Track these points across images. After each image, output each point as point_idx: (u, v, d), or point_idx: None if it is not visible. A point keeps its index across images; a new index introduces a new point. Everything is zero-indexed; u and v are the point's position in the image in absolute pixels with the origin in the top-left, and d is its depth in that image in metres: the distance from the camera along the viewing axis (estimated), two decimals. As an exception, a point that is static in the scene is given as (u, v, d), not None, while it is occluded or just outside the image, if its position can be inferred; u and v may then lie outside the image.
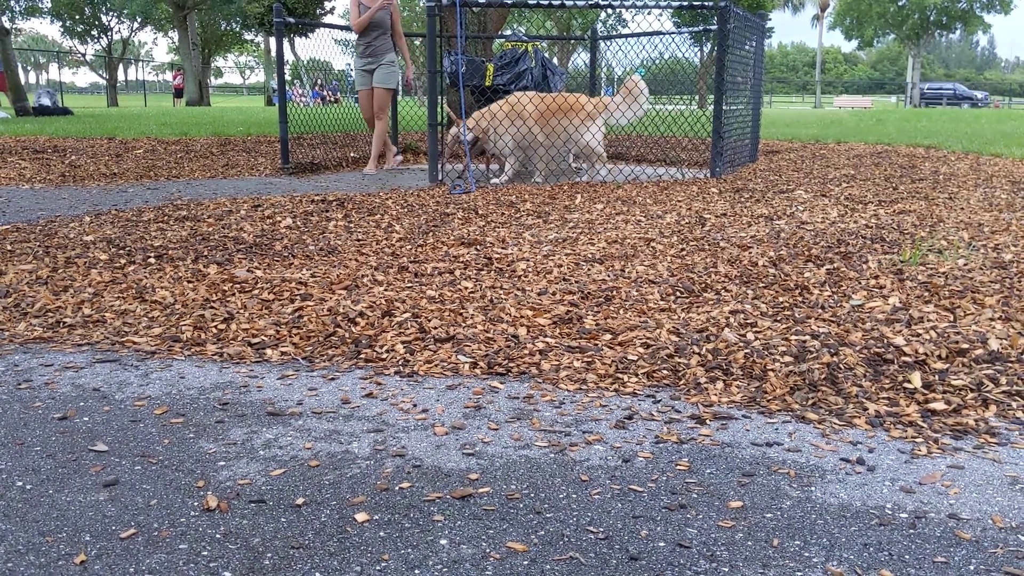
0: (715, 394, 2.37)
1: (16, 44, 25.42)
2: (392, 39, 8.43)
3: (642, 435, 2.12)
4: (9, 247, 4.23)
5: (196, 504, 1.75)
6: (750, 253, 4.00)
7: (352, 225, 4.92)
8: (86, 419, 2.20)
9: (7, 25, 22.39)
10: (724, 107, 7.45)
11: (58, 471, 1.89)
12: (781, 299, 3.22)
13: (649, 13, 7.80)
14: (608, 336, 2.82)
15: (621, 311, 3.10)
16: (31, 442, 2.05)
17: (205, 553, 1.56)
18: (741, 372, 2.51)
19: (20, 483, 1.84)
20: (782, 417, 2.23)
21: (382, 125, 8.64)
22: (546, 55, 7.90)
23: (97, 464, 1.93)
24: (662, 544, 1.60)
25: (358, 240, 4.48)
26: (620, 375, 2.51)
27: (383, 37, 8.38)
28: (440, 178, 7.23)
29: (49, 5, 44.09)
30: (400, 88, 9.55)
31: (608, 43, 10.47)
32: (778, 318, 2.98)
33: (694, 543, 1.60)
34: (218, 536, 1.62)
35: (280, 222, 4.98)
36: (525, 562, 1.54)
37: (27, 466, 1.92)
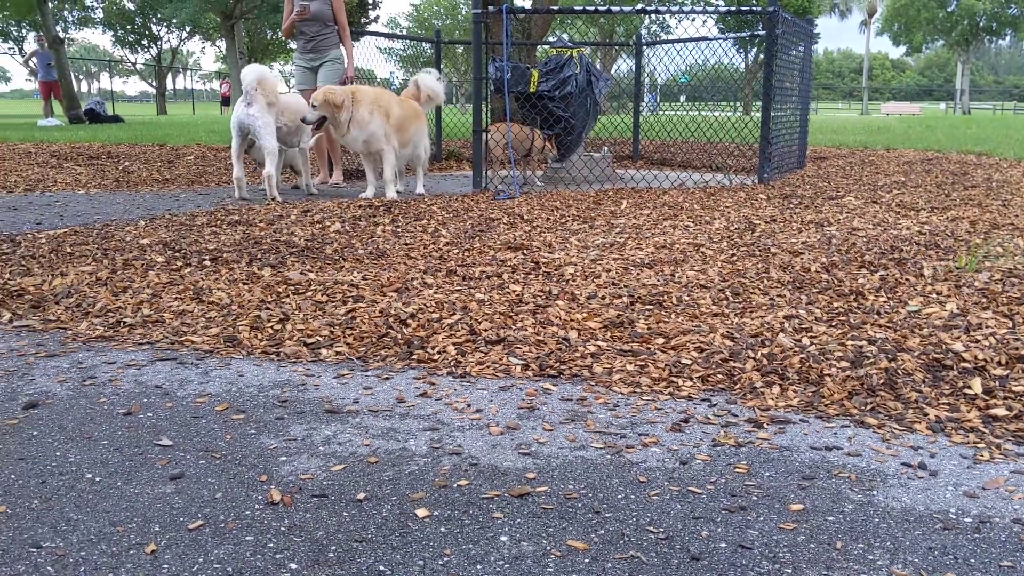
0: (772, 398, 2.36)
1: (69, 53, 26.10)
2: (337, 33, 7.64)
3: (699, 438, 2.11)
4: (69, 249, 4.33)
5: (260, 498, 1.78)
6: (802, 259, 3.97)
7: (399, 230, 4.97)
8: (150, 415, 2.25)
9: (61, 35, 22.96)
10: (772, 112, 7.40)
11: (125, 464, 1.94)
12: (836, 305, 3.19)
13: (694, 20, 7.77)
14: (660, 340, 2.81)
15: (673, 315, 3.09)
16: (98, 436, 2.10)
17: (271, 545, 1.59)
18: (797, 377, 2.49)
19: (90, 475, 1.88)
20: (840, 422, 2.21)
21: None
22: (590, 61, 7.90)
23: (163, 458, 1.98)
24: (723, 545, 1.60)
25: (406, 244, 4.52)
26: (674, 379, 2.50)
27: (327, 31, 7.62)
28: (484, 184, 7.27)
29: (101, 15, 45.04)
30: None
31: (653, 49, 10.46)
32: (833, 323, 2.95)
33: (756, 544, 1.60)
34: (283, 529, 1.65)
35: (329, 227, 5.04)
36: (586, 560, 1.54)
37: (96, 459, 1.97)
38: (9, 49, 48.17)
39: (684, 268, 3.81)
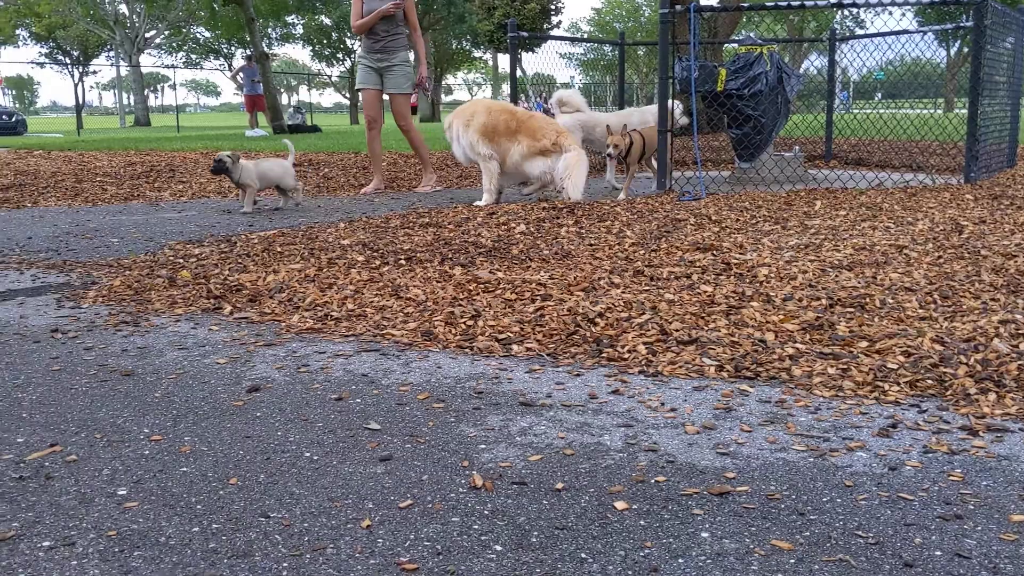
0: (987, 406, 2.21)
1: (272, 68, 27.97)
2: (408, 35, 7.57)
3: (908, 444, 2.01)
4: (279, 249, 4.65)
5: (463, 482, 1.85)
6: (1016, 262, 3.69)
7: (583, 231, 5.00)
8: (358, 401, 2.38)
9: (266, 50, 24.65)
10: (979, 108, 6.92)
11: (339, 445, 2.07)
12: (1059, 310, 2.95)
13: (891, 14, 7.38)
14: (864, 344, 2.70)
15: (876, 319, 2.96)
16: (314, 419, 2.25)
17: (476, 527, 1.65)
18: (1015, 384, 2.32)
19: (308, 454, 2.02)
20: (1068, 433, 2.05)
21: (414, 135, 7.77)
22: (780, 58, 7.67)
23: (372, 441, 2.09)
24: (938, 553, 1.52)
25: (591, 245, 4.55)
26: (880, 383, 2.39)
27: (395, 31, 7.44)
28: (669, 185, 7.20)
29: (301, 31, 47.99)
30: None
31: (848, 44, 10.02)
32: (1057, 329, 2.73)
33: (974, 554, 1.51)
34: (486, 512, 1.71)
35: (515, 228, 5.14)
36: (791, 560, 1.51)
37: (312, 439, 2.11)
38: (220, 65, 52.15)
39: (887, 270, 3.63)
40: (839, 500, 1.74)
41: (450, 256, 4.32)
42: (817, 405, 2.28)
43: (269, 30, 45.64)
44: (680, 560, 1.52)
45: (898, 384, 2.38)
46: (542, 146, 6.44)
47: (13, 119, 29.52)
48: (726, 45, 10.13)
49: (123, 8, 44.42)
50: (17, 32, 47.28)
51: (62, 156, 11.90)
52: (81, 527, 1.67)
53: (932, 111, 8.95)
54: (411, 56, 7.74)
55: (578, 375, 2.60)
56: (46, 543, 1.61)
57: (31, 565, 1.53)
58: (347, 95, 52.83)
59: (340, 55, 52.80)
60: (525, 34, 8.99)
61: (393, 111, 7.78)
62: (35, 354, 2.89)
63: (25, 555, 1.57)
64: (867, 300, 3.16)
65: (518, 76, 9.27)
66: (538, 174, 6.55)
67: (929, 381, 2.39)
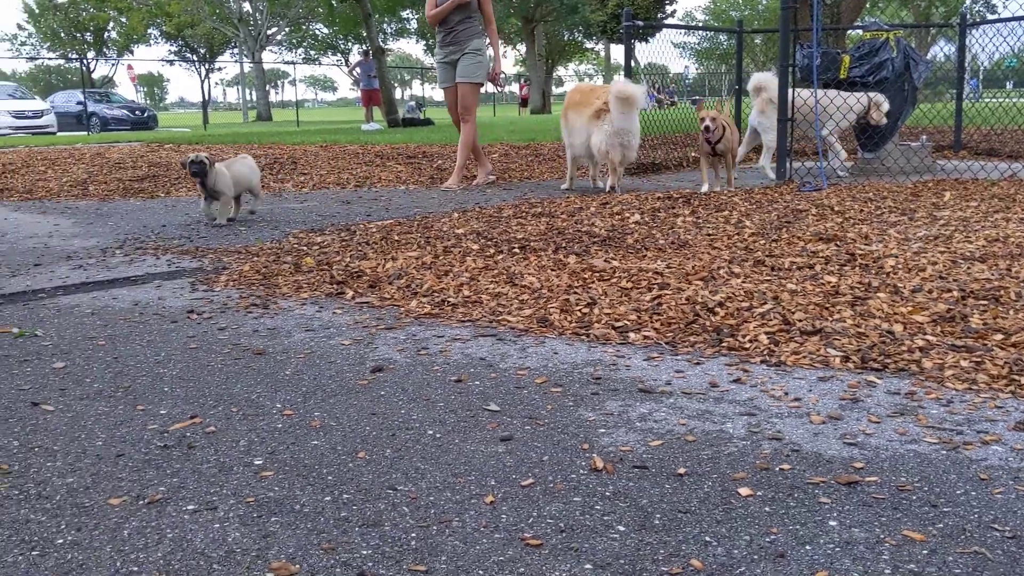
0: None
1: (387, 63, 28.58)
2: (481, 24, 7.21)
3: (1049, 440, 1.92)
4: (396, 238, 4.76)
5: (583, 464, 1.87)
6: None
7: (700, 221, 4.94)
8: (477, 383, 2.43)
9: (381, 45, 25.18)
10: None
11: (460, 424, 2.11)
12: None
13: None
14: (999, 336, 2.58)
15: (1011, 311, 2.83)
16: (435, 399, 2.30)
17: (598, 508, 1.66)
18: None
19: (431, 432, 2.07)
20: None
21: (469, 129, 7.35)
22: (907, 44, 7.36)
23: (492, 421, 2.13)
24: (1086, 554, 1.45)
25: (708, 235, 4.49)
26: (1016, 377, 2.29)
27: (468, 21, 7.14)
28: (788, 175, 7.02)
29: (415, 26, 48.74)
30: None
31: (977, 30, 9.54)
32: None
33: None
34: (607, 494, 1.72)
35: (628, 218, 5.12)
36: (924, 551, 1.46)
37: (434, 418, 2.16)
38: (337, 61, 53.54)
39: (1022, 263, 3.46)
40: (974, 493, 1.67)
41: (564, 245, 4.33)
42: (949, 398, 2.20)
43: (384, 25, 46.55)
44: (808, 547, 1.49)
45: (1037, 378, 2.28)
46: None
47: (145, 114, 31.06)
48: (850, 31, 9.80)
49: (247, 6, 46.16)
50: (149, 32, 49.73)
51: (191, 149, 12.46)
52: (222, 493, 1.77)
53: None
54: (487, 48, 7.45)
55: (698, 363, 2.57)
56: (190, 506, 1.71)
57: (178, 526, 1.63)
58: (459, 89, 53.45)
59: (452, 49, 53.47)
60: (640, 23, 8.90)
61: (459, 100, 7.45)
62: (173, 333, 3.05)
63: (172, 516, 1.67)
64: (1002, 292, 3.02)
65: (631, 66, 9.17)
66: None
67: (1073, 376, 2.27)
